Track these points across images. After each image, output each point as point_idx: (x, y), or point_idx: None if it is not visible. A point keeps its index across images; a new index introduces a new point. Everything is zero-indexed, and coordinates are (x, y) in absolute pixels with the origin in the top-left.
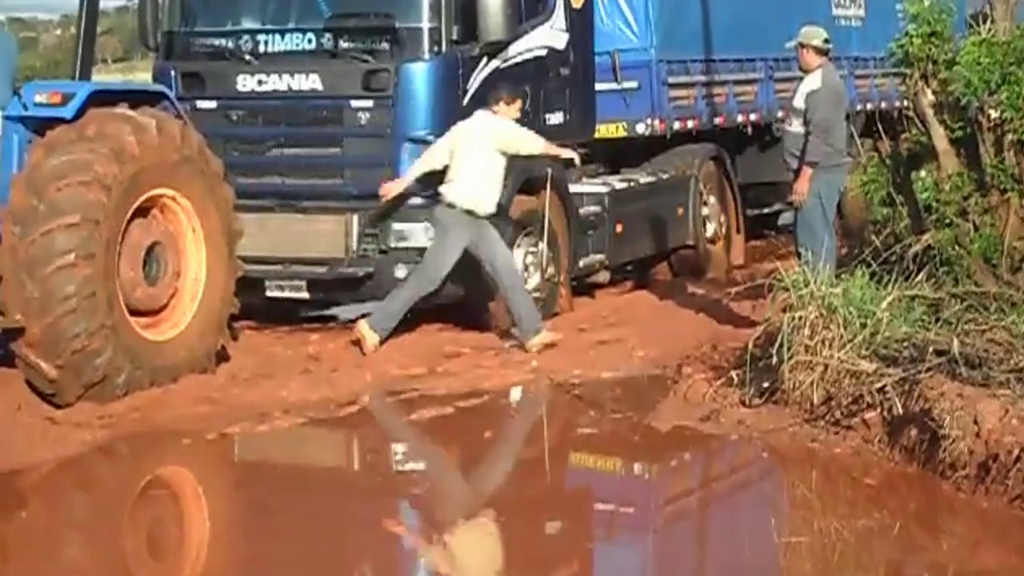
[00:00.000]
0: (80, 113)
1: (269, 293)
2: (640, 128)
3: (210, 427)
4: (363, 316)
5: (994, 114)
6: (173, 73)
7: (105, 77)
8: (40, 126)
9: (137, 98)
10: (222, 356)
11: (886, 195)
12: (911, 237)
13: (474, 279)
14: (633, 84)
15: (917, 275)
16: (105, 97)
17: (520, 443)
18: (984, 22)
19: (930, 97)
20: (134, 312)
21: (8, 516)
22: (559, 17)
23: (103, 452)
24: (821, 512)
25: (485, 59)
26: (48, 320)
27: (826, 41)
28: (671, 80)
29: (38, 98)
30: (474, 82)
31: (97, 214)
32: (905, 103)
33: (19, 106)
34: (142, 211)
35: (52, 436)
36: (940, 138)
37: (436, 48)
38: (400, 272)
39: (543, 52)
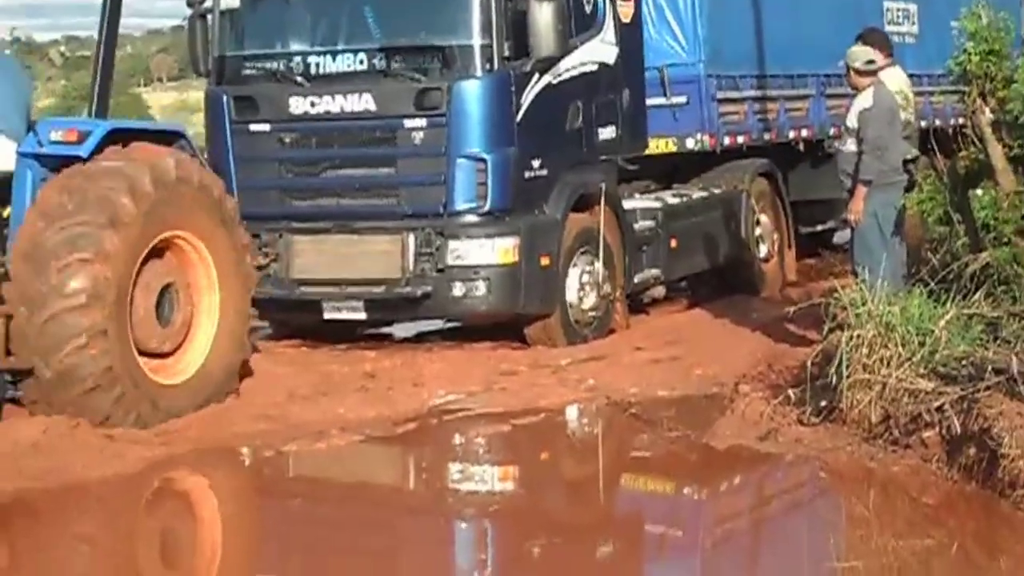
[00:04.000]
0: (96, 152)
1: (327, 315)
2: (690, 143)
3: (267, 444)
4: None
5: None
6: (225, 98)
7: (160, 96)
8: (56, 164)
9: (154, 137)
10: (279, 375)
11: (943, 213)
12: (969, 255)
13: (537, 293)
14: (682, 99)
15: (975, 293)
16: (122, 135)
17: (576, 462)
18: None
19: (988, 115)
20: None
21: (65, 533)
22: (608, 31)
23: (161, 469)
24: (879, 531)
25: (537, 75)
26: (67, 398)
27: (870, 62)
28: (720, 95)
29: (54, 135)
30: (527, 98)
31: (103, 289)
32: (961, 121)
33: (34, 143)
34: (153, 253)
35: (110, 452)
36: (998, 156)
37: (488, 65)
38: (457, 290)
39: (594, 67)
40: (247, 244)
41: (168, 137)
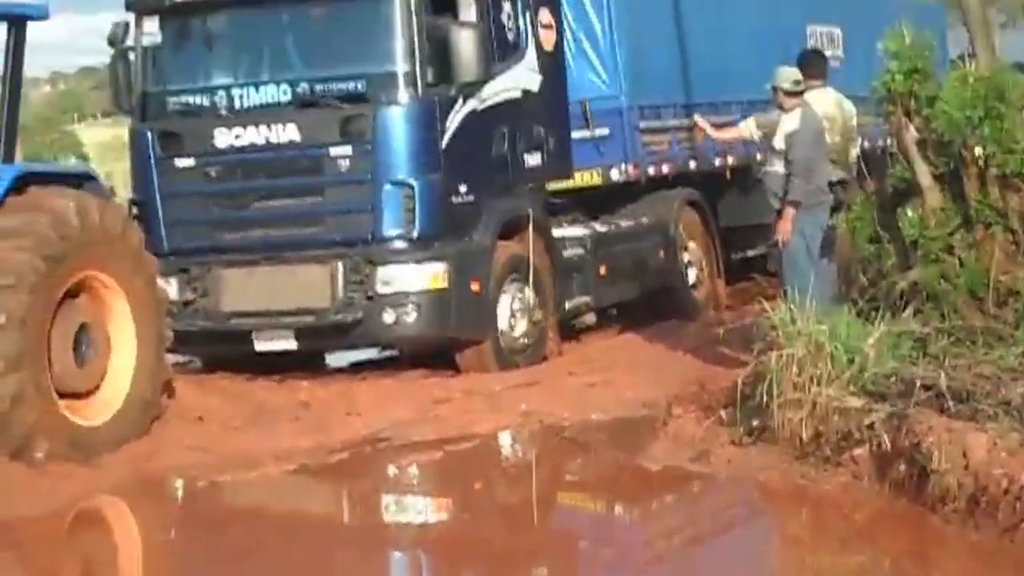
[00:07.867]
0: (5, 195)
1: (258, 347)
2: (614, 174)
3: (201, 475)
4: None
5: (977, 150)
6: (150, 134)
7: (95, 131)
8: None
9: (64, 180)
10: (212, 407)
11: (872, 232)
12: (897, 274)
13: (469, 319)
14: (605, 131)
15: (904, 311)
16: (32, 179)
17: (510, 488)
18: (969, 60)
19: (913, 133)
20: (65, 395)
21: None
22: (531, 58)
23: (93, 505)
24: (812, 549)
25: (461, 100)
26: None
27: (797, 83)
28: (643, 125)
29: None
30: (451, 123)
31: (20, 314)
32: (889, 141)
33: None
34: (70, 294)
35: (42, 489)
36: (924, 174)
37: (412, 91)
38: (388, 317)
39: (518, 93)
40: (154, 273)
41: (77, 179)
